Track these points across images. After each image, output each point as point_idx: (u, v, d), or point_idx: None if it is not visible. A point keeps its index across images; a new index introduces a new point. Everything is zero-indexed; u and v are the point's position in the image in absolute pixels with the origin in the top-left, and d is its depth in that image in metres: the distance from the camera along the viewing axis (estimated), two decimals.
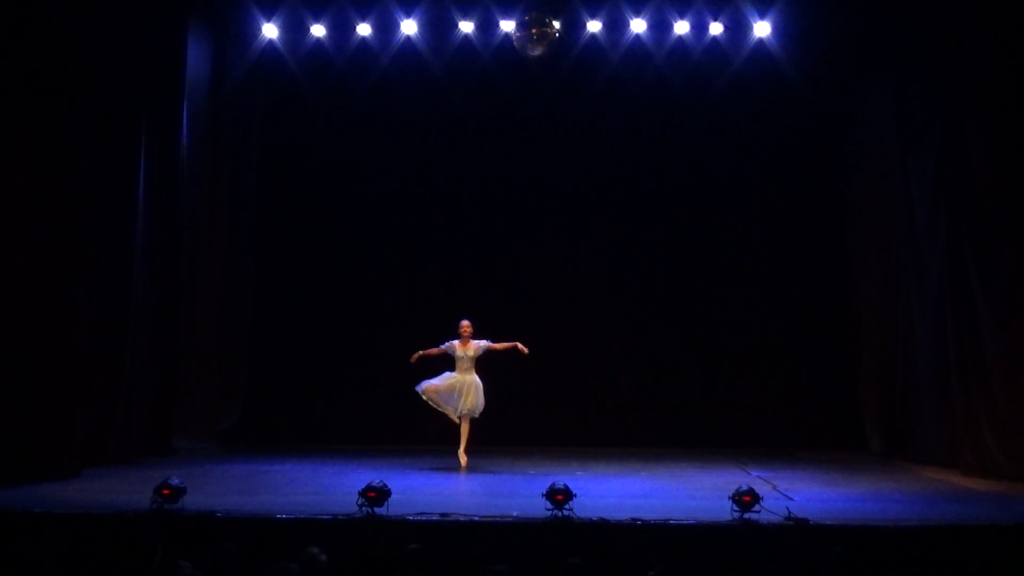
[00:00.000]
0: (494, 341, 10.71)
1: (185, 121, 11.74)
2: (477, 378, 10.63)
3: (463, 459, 10.63)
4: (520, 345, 10.65)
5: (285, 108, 13.15)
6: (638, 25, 11.96)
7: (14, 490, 8.39)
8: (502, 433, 12.37)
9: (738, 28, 12.02)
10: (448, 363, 10.80)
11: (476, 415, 10.61)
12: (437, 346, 10.69)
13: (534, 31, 11.26)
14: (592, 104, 12.77)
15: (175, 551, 6.18)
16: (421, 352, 10.66)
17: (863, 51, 12.34)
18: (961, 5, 10.38)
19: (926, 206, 11.08)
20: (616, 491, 9.18)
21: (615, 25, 12.03)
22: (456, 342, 10.62)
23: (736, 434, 12.52)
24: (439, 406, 10.63)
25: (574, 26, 11.97)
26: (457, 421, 10.66)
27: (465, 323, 10.63)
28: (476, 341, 10.65)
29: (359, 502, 7.45)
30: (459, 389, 10.51)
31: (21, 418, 9.14)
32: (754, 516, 7.37)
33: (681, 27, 11.98)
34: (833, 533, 7.12)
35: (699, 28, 12.00)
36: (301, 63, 12.39)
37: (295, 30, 12.26)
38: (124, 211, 10.66)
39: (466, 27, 12.03)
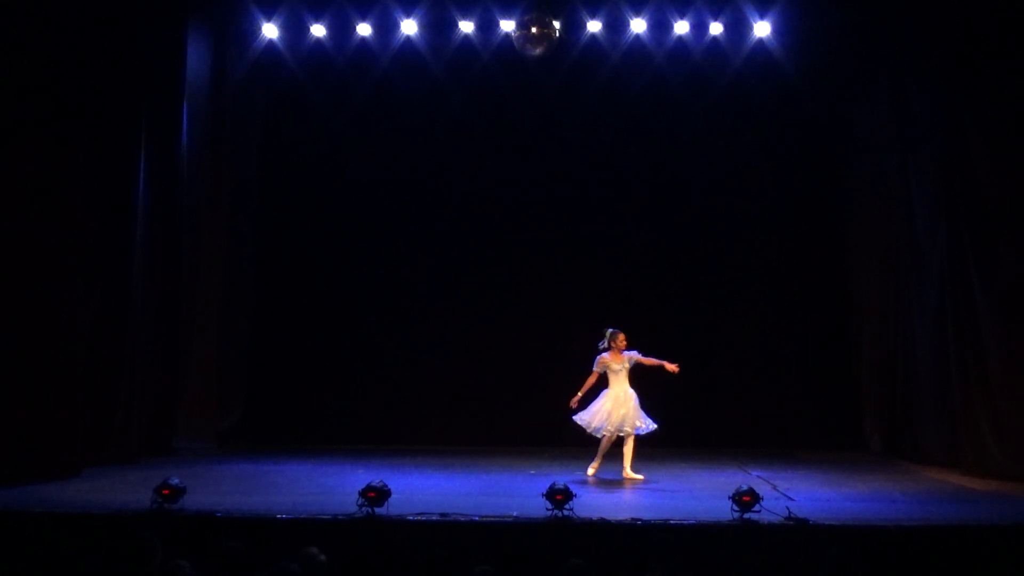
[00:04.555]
0: (641, 353, 10.15)
1: (185, 121, 11.74)
2: (632, 391, 10.07)
3: (637, 476, 10.00)
4: (668, 365, 10.06)
5: (285, 108, 13.14)
6: (638, 25, 11.97)
7: (14, 490, 8.40)
8: (502, 433, 12.41)
9: (738, 28, 12.03)
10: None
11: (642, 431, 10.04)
12: (591, 369, 10.08)
13: (534, 31, 11.26)
14: (592, 104, 12.75)
15: (175, 551, 6.18)
16: (580, 393, 10.06)
17: (863, 51, 12.33)
18: (961, 5, 10.38)
19: (926, 206, 11.09)
20: (616, 491, 9.18)
21: (615, 25, 12.04)
22: (607, 355, 10.03)
23: (736, 434, 12.52)
24: (619, 432, 10.00)
25: (574, 26, 11.97)
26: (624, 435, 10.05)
27: (622, 335, 10.05)
28: (628, 352, 10.09)
29: (359, 502, 7.46)
30: (622, 408, 9.91)
31: (21, 418, 9.14)
32: (754, 516, 7.38)
33: (681, 27, 11.98)
34: (833, 533, 7.13)
35: (699, 28, 12.00)
36: (301, 63, 12.40)
37: (295, 30, 12.26)
38: (124, 211, 10.67)
39: (466, 27, 12.04)
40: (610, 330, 10.09)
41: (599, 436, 10.06)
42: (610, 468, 10.38)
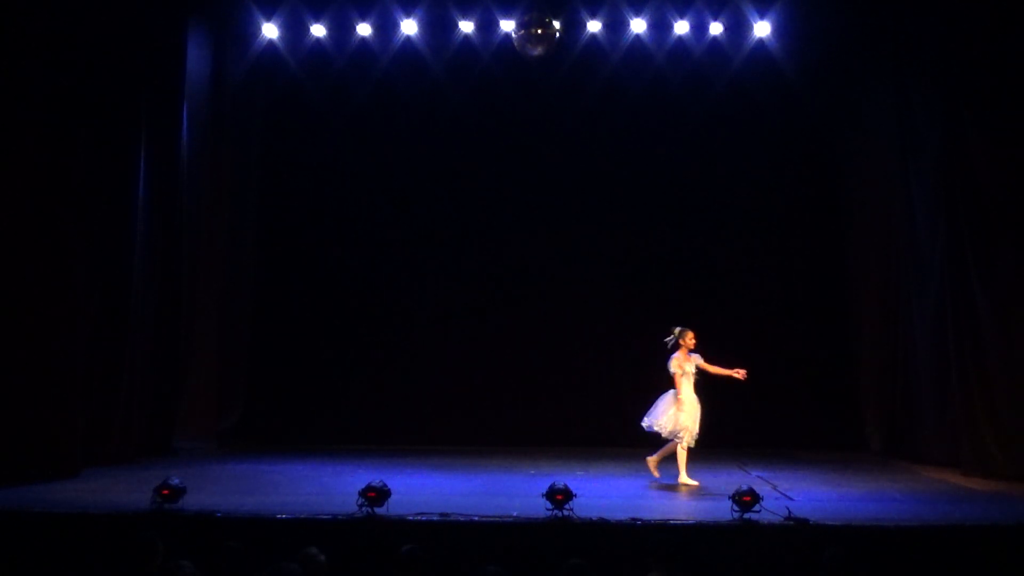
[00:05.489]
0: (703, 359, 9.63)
1: (185, 121, 11.74)
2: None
3: (692, 483, 9.50)
4: (737, 373, 9.69)
5: (285, 108, 13.13)
6: (638, 25, 11.96)
7: (14, 490, 8.40)
8: (502, 433, 12.40)
9: (738, 28, 12.02)
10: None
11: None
12: (669, 372, 9.49)
13: (534, 31, 11.26)
14: (592, 104, 12.74)
15: (175, 551, 6.19)
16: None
17: (863, 51, 12.33)
18: (961, 5, 10.38)
19: (926, 206, 11.09)
20: (616, 491, 9.17)
21: (615, 25, 12.03)
22: (679, 355, 9.46)
23: (736, 434, 12.50)
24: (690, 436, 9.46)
25: (574, 26, 11.97)
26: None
27: (690, 332, 9.51)
28: (692, 353, 9.57)
29: (359, 502, 7.46)
30: (695, 417, 9.48)
31: (21, 418, 9.14)
32: (754, 516, 7.38)
33: (681, 27, 11.98)
34: (833, 533, 7.13)
35: (699, 28, 11.99)
36: (301, 63, 12.39)
37: (295, 30, 12.26)
38: (124, 211, 10.67)
39: (466, 27, 12.03)
40: (678, 328, 9.54)
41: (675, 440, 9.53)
42: (610, 469, 10.39)
